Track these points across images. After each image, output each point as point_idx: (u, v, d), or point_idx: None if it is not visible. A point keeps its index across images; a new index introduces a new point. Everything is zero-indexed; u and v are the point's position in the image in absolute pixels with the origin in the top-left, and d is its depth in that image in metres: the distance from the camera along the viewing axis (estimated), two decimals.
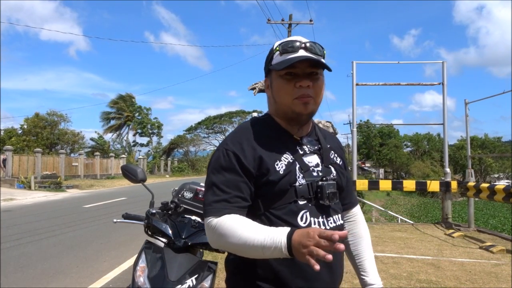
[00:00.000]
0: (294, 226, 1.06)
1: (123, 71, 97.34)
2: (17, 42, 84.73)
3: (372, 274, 1.28)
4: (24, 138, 28.87)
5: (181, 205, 2.02)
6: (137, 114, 42.57)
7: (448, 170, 7.94)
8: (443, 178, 8.06)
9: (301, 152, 1.18)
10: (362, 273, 1.29)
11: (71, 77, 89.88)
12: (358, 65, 8.36)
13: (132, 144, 43.09)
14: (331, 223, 1.15)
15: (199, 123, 50.53)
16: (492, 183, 7.97)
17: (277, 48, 1.16)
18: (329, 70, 1.14)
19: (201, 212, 1.55)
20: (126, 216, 2.16)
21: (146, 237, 2.06)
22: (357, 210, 1.39)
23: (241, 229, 1.02)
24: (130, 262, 5.05)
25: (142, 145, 44.01)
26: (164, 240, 1.95)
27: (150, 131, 43.26)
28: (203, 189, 1.76)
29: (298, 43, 1.13)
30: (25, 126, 30.26)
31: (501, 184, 7.32)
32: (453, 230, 7.05)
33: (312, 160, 1.19)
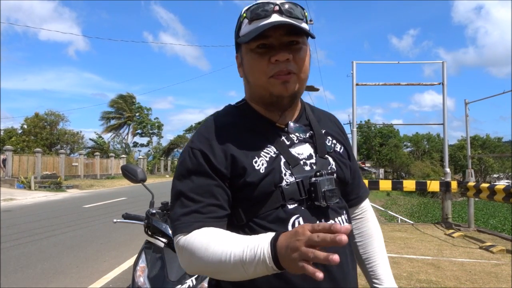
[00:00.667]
0: None
1: (123, 71, 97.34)
2: (16, 42, 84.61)
3: (386, 281, 1.05)
4: (24, 138, 28.89)
5: None
6: (137, 114, 42.59)
7: (448, 170, 7.94)
8: (443, 178, 8.05)
9: (287, 143, 0.95)
10: (374, 280, 1.06)
11: (71, 77, 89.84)
12: (358, 65, 8.36)
13: (132, 144, 43.15)
14: None
15: (199, 123, 50.54)
16: (492, 183, 7.97)
17: (245, 15, 0.91)
18: (312, 37, 0.91)
19: None
20: (126, 216, 2.16)
21: (146, 237, 2.06)
22: (366, 205, 1.14)
23: (213, 244, 0.79)
24: (130, 262, 5.05)
25: (142, 145, 44.12)
26: (164, 240, 1.95)
27: (150, 131, 43.29)
28: None
29: (271, 6, 0.88)
30: (25, 126, 30.28)
31: (501, 184, 7.32)
32: (453, 230, 7.05)
33: (303, 151, 0.95)
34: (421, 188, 8.57)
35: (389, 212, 15.88)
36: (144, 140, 43.92)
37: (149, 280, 1.76)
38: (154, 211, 2.01)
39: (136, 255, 1.94)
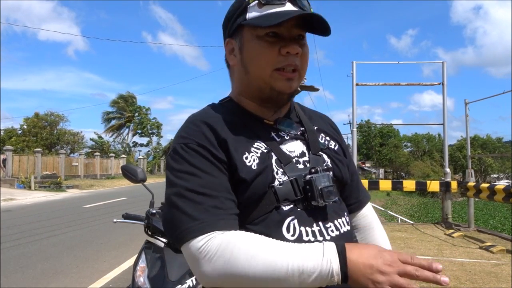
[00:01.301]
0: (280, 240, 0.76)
1: (123, 71, 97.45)
2: (15, 42, 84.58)
3: None
4: (24, 138, 28.90)
5: None
6: (136, 114, 42.61)
7: (448, 170, 7.94)
8: (443, 178, 8.05)
9: (277, 140, 0.87)
10: None
11: (71, 77, 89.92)
12: (358, 65, 8.36)
13: (131, 144, 43.16)
14: (331, 231, 0.83)
15: None
16: (492, 183, 7.97)
17: None
18: (327, 34, 0.84)
19: None
20: (126, 216, 2.16)
21: (146, 237, 2.06)
22: (368, 212, 1.03)
23: (261, 249, 0.69)
24: (130, 262, 5.05)
25: (142, 145, 44.12)
26: (164, 240, 1.95)
27: (150, 131, 43.30)
28: None
29: None
30: (25, 126, 30.28)
31: (501, 184, 7.32)
32: (453, 230, 7.05)
33: (295, 148, 0.88)
34: (421, 188, 8.57)
35: (389, 212, 15.87)
36: (144, 140, 43.95)
37: (149, 280, 1.76)
38: (154, 211, 2.01)
39: (136, 255, 1.94)
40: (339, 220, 0.86)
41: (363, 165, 46.90)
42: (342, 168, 0.92)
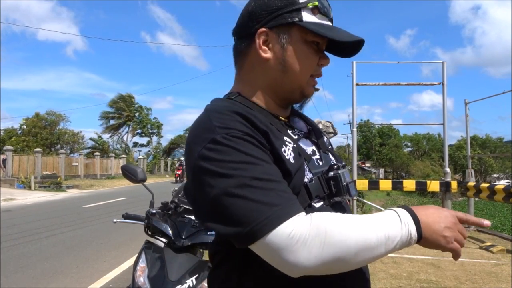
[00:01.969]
0: None
1: (122, 71, 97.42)
2: (14, 42, 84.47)
3: None
4: (24, 139, 28.90)
5: (181, 205, 2.02)
6: (137, 114, 42.62)
7: (448, 170, 7.93)
8: (443, 178, 8.05)
9: (295, 137, 0.87)
10: None
11: (71, 77, 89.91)
12: (357, 65, 8.35)
13: (132, 144, 43.18)
14: None
15: None
16: (492, 183, 7.97)
17: (316, 3, 0.82)
18: (349, 56, 0.91)
19: None
20: (126, 216, 2.16)
21: (146, 237, 2.06)
22: None
23: (351, 224, 0.69)
24: (130, 262, 5.05)
25: (142, 145, 44.13)
26: (164, 240, 1.95)
27: (150, 131, 43.30)
28: None
29: (329, 10, 0.86)
30: (24, 127, 30.28)
31: (501, 184, 7.32)
32: None
33: (307, 146, 0.89)
34: (421, 188, 8.57)
35: None
36: (144, 140, 43.99)
37: (149, 280, 1.76)
38: (154, 211, 2.01)
39: (136, 255, 1.94)
40: None
41: (363, 165, 46.88)
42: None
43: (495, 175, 46.71)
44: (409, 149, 53.10)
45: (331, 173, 0.83)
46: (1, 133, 28.73)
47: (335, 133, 7.14)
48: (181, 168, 26.66)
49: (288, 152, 0.79)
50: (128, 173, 2.06)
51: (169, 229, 1.92)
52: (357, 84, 8.22)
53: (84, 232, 7.56)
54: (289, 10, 0.82)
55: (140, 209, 8.72)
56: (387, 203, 26.84)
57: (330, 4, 0.87)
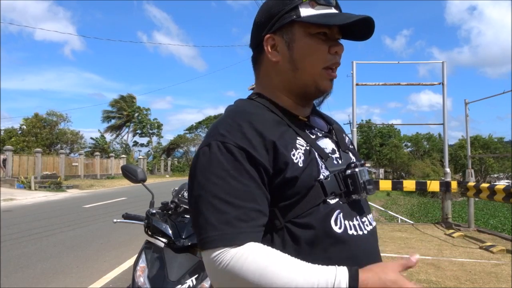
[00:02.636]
0: (327, 233, 0.80)
1: (121, 71, 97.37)
2: (12, 42, 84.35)
3: None
4: (23, 139, 28.90)
5: (181, 205, 2.02)
6: (136, 114, 42.65)
7: (448, 170, 7.93)
8: (443, 178, 8.05)
9: (313, 137, 0.89)
10: None
11: (71, 77, 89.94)
12: (356, 65, 8.35)
13: (132, 144, 43.20)
14: (367, 225, 0.87)
15: (199, 122, 50.56)
16: (492, 183, 7.97)
17: None
18: (365, 38, 0.91)
19: None
20: (126, 216, 2.16)
21: (146, 237, 2.06)
22: None
23: (274, 267, 0.70)
24: (130, 262, 5.05)
25: (142, 145, 44.17)
26: (164, 240, 1.95)
27: (150, 131, 43.34)
28: None
29: None
30: (24, 127, 30.28)
31: (501, 184, 7.32)
32: (453, 230, 7.05)
33: (327, 145, 0.90)
34: (421, 188, 8.58)
35: (389, 212, 15.88)
36: (144, 140, 44.03)
37: (149, 280, 1.76)
38: (154, 211, 2.01)
39: (136, 255, 1.94)
40: (369, 216, 0.90)
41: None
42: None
43: (495, 175, 46.71)
44: (409, 149, 53.08)
45: (349, 171, 0.85)
46: (1, 133, 28.75)
47: None
48: None
49: (297, 156, 0.82)
50: (128, 173, 2.06)
51: (169, 229, 1.92)
52: (357, 84, 8.21)
53: (84, 232, 7.56)
54: (288, 10, 0.85)
55: (140, 209, 8.72)
56: (387, 203, 26.85)
57: None
